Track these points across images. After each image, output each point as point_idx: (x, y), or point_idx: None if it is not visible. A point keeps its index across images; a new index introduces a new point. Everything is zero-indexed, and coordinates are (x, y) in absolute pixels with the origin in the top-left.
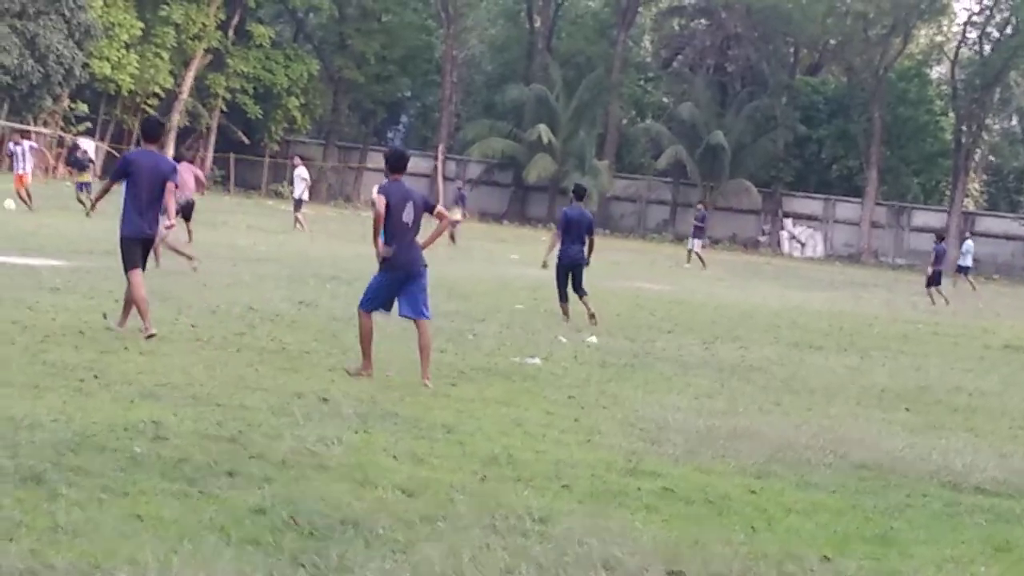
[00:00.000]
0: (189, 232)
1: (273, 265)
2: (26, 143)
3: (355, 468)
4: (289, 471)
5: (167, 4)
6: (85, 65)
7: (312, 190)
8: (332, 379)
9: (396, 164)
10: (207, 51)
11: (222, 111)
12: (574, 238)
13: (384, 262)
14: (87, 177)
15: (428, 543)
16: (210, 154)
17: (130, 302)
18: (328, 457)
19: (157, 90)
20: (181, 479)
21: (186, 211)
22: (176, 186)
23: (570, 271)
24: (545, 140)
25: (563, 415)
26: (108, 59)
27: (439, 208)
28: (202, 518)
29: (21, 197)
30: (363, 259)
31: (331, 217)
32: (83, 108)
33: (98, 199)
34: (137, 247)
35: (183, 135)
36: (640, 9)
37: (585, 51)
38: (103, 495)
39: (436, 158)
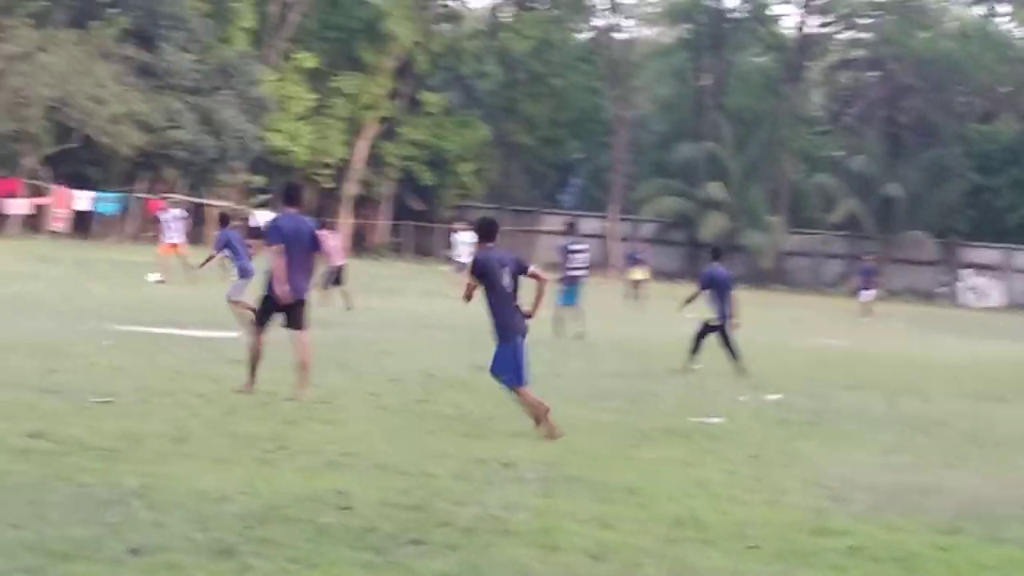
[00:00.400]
0: (345, 295)
1: (450, 331)
2: (173, 211)
3: (540, 533)
4: (475, 538)
5: (339, 76)
6: (260, 138)
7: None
8: (514, 444)
9: (487, 231)
10: (379, 120)
11: (396, 179)
12: (717, 297)
13: (504, 332)
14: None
15: None
16: (385, 222)
17: (304, 364)
18: (513, 523)
19: (331, 160)
20: (368, 548)
21: (337, 276)
22: (321, 251)
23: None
24: (717, 197)
25: (746, 474)
26: (282, 131)
27: (533, 269)
28: None
29: (168, 266)
30: (540, 323)
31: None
32: (259, 180)
33: (206, 262)
34: (302, 308)
35: (358, 204)
36: (808, 63)
37: (754, 107)
38: (292, 566)
39: (609, 219)
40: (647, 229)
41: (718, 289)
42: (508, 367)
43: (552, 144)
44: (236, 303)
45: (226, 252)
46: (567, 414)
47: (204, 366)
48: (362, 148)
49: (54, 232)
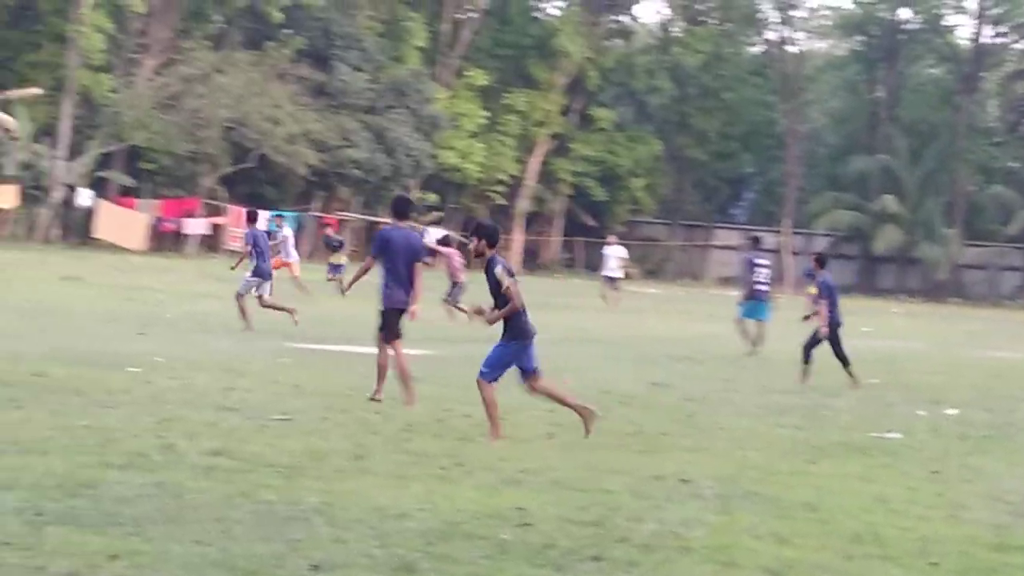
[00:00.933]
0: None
1: (623, 346)
2: (283, 230)
3: (719, 550)
4: (653, 554)
5: (510, 92)
6: (433, 156)
7: (659, 269)
8: (691, 460)
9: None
10: (551, 136)
11: (568, 195)
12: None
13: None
14: (341, 259)
15: None
16: (557, 238)
17: (405, 373)
18: (691, 539)
19: (503, 177)
20: (548, 565)
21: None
22: (427, 264)
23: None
24: (892, 210)
25: (925, 490)
26: (455, 149)
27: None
28: None
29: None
30: (714, 339)
31: (679, 296)
32: (432, 198)
33: (357, 278)
34: (398, 318)
35: (530, 221)
36: (984, 74)
37: (929, 118)
38: None
39: (782, 233)
40: (820, 243)
41: (832, 297)
42: (495, 364)
43: (724, 158)
44: (242, 298)
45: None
46: (744, 429)
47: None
48: (534, 164)
49: (231, 251)
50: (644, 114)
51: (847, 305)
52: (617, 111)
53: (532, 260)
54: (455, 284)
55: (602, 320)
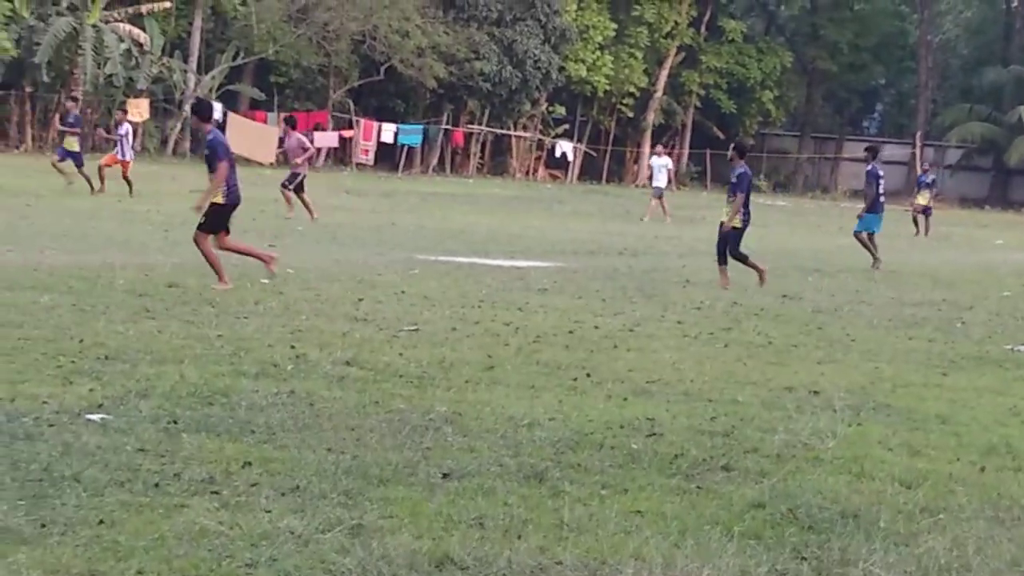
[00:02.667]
0: (306, 205)
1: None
2: (127, 125)
3: (851, 461)
4: (785, 465)
5: (639, 4)
6: (561, 68)
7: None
8: (822, 372)
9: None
10: (680, 48)
11: (696, 107)
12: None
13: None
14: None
15: (931, 535)
16: (686, 151)
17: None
18: (823, 450)
19: (632, 89)
20: (678, 474)
21: (300, 183)
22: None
23: None
24: None
25: None
26: (583, 61)
27: None
28: (702, 513)
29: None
30: (844, 251)
31: (809, 209)
32: (560, 111)
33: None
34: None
35: (658, 132)
36: None
37: None
38: (603, 492)
39: (914, 145)
40: (952, 155)
41: (747, 192)
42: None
43: (855, 69)
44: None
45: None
46: (875, 340)
47: (510, 295)
48: (662, 76)
49: (360, 164)
50: (774, 25)
51: (980, 217)
52: (746, 22)
53: None
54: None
55: None
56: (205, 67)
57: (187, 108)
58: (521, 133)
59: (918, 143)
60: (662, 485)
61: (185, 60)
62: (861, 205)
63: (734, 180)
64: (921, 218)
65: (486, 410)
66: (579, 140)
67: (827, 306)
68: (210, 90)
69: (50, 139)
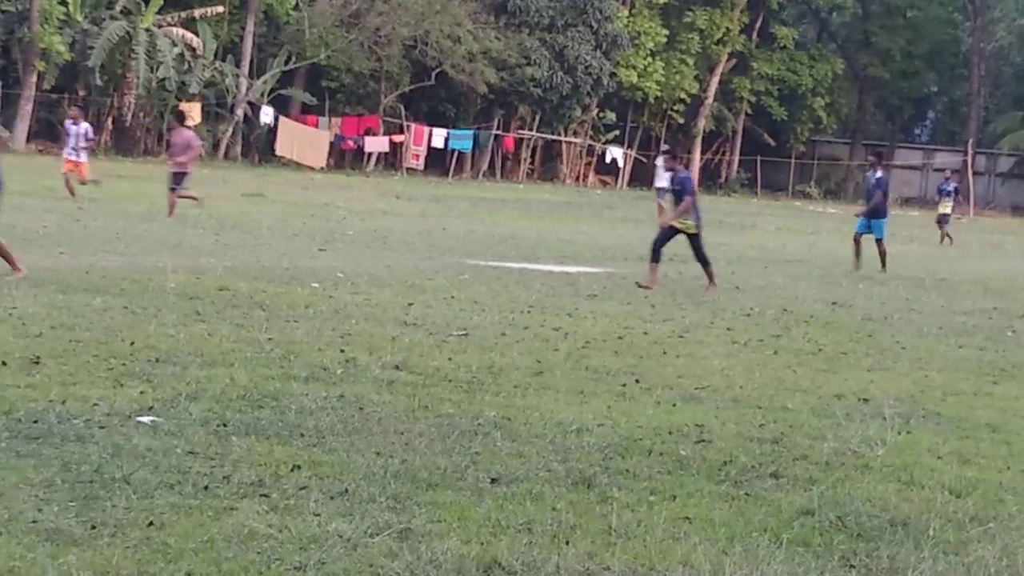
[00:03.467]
0: (171, 203)
1: (803, 266)
2: (84, 125)
3: (900, 469)
4: (834, 472)
5: (691, 10)
6: (612, 74)
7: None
8: (872, 380)
9: None
10: (731, 55)
11: (747, 114)
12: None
13: None
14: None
15: (980, 544)
16: (736, 157)
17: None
18: (872, 458)
19: (682, 96)
20: (727, 481)
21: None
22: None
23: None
24: None
25: None
26: (634, 67)
27: None
28: (750, 520)
29: (68, 185)
30: (895, 258)
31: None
32: (611, 117)
33: None
34: None
35: (709, 139)
36: None
37: None
38: (652, 498)
39: (965, 153)
40: (1004, 163)
41: (693, 195)
42: None
43: (907, 77)
44: None
45: None
46: (925, 348)
47: (560, 300)
48: (713, 83)
49: (410, 169)
50: (826, 32)
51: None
52: (798, 29)
53: (712, 179)
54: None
55: (786, 240)
56: (257, 71)
57: (239, 112)
58: (571, 139)
59: (970, 151)
60: (711, 492)
61: (237, 64)
62: (913, 213)
63: (677, 187)
64: (939, 228)
65: (535, 415)
66: (629, 146)
67: (877, 314)
68: (262, 94)
69: (102, 142)
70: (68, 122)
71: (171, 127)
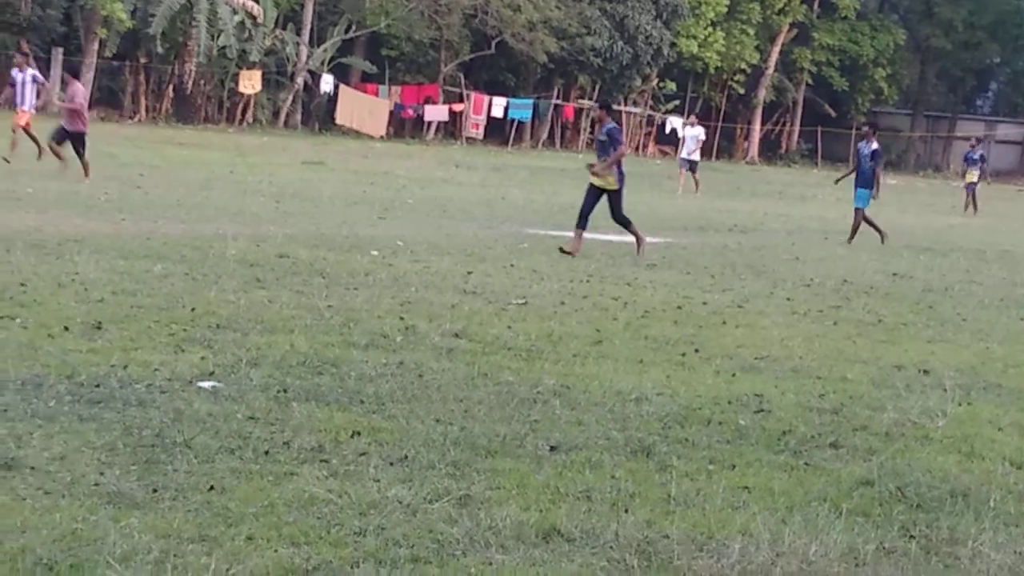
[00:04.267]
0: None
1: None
2: (29, 72)
3: (960, 440)
4: (893, 443)
5: None
6: (672, 44)
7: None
8: (932, 351)
9: None
10: (792, 25)
11: (808, 84)
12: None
13: None
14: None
15: None
16: (796, 128)
17: None
18: (932, 429)
19: (743, 66)
20: (786, 451)
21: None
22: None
23: None
24: None
25: None
26: (695, 37)
27: None
28: (810, 490)
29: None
30: (956, 230)
31: (921, 188)
32: (671, 87)
33: None
34: None
35: (769, 110)
36: None
37: None
38: (711, 467)
39: None
40: None
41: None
42: None
43: (970, 48)
44: None
45: None
46: (986, 320)
47: (619, 270)
48: (774, 53)
49: (470, 138)
50: (888, 2)
51: None
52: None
53: (772, 150)
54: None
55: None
56: (317, 40)
57: (299, 80)
58: (631, 108)
59: None
60: (770, 461)
61: (298, 33)
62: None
63: (603, 138)
64: (965, 194)
65: (594, 384)
66: (689, 116)
67: (938, 285)
68: (322, 63)
69: (163, 110)
70: (14, 71)
71: (66, 81)
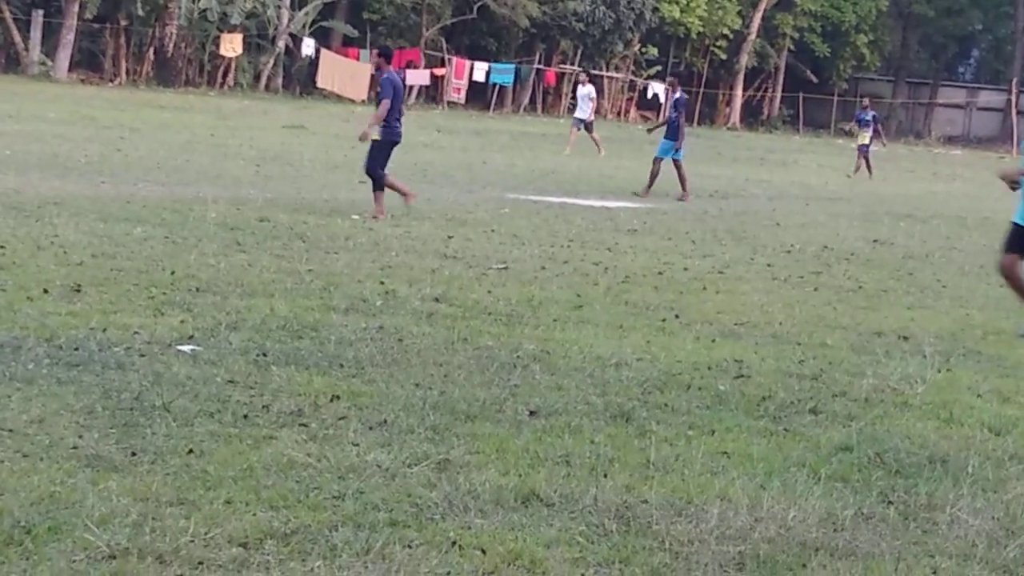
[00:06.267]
0: None
1: (845, 204)
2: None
3: (939, 406)
4: (872, 409)
5: None
6: (655, 9)
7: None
8: (912, 317)
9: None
10: None
11: (790, 50)
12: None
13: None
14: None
15: (1019, 481)
16: (778, 94)
17: None
18: (911, 395)
19: (725, 31)
20: (765, 416)
21: None
22: None
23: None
24: None
25: None
26: (677, 2)
27: None
28: (788, 455)
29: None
30: (937, 197)
31: (902, 155)
32: (653, 52)
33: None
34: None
35: (751, 76)
36: None
37: None
38: (690, 432)
39: (1010, 92)
40: None
41: (397, 102)
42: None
43: (952, 15)
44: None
45: None
46: (966, 287)
47: (600, 235)
48: (756, 19)
49: (451, 102)
50: None
51: None
52: None
53: (754, 116)
54: None
55: (827, 177)
56: (299, 3)
57: (280, 44)
58: (613, 74)
59: (1014, 89)
60: (749, 427)
61: None
62: (956, 151)
63: (377, 89)
64: (857, 156)
65: (574, 349)
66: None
67: (918, 252)
68: (303, 26)
69: (143, 73)
70: None
71: None
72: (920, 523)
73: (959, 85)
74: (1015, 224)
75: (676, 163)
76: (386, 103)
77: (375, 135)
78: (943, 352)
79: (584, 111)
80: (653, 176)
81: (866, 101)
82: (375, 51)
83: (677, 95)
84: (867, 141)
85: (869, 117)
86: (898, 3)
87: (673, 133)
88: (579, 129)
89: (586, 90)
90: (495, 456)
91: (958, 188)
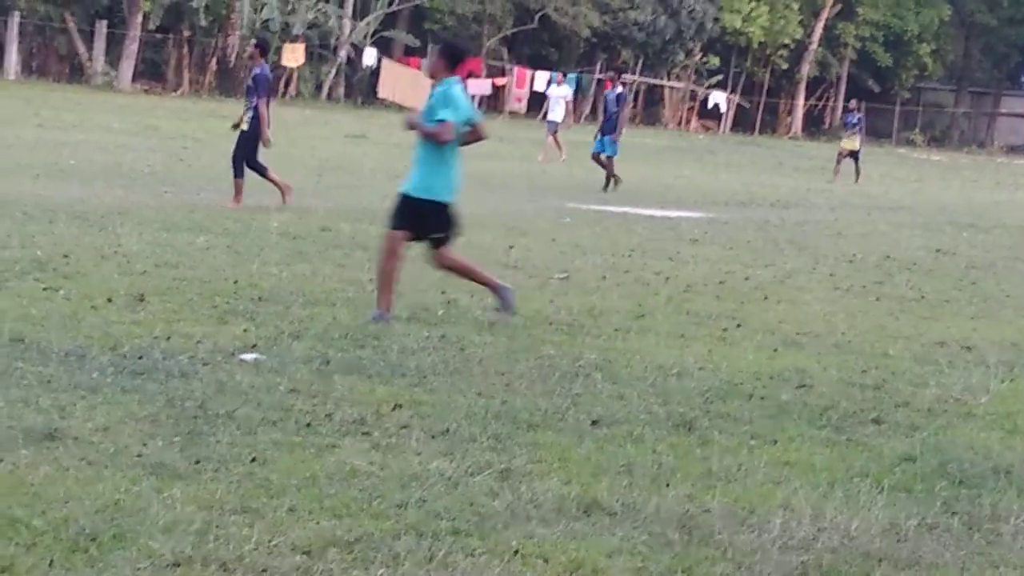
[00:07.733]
0: None
1: (907, 213)
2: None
3: (1003, 417)
4: (936, 419)
5: None
6: (716, 19)
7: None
8: (975, 327)
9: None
10: (836, 0)
11: (851, 60)
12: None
13: None
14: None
15: None
16: (840, 103)
17: None
18: (975, 406)
19: (787, 41)
20: (828, 426)
21: None
22: None
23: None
24: None
25: None
26: (738, 12)
27: None
28: (851, 465)
29: None
30: (1000, 206)
31: (965, 164)
32: (714, 62)
33: None
34: None
35: (813, 85)
36: None
37: None
38: (752, 441)
39: None
40: None
41: (267, 94)
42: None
43: (1015, 24)
44: None
45: None
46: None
47: (662, 244)
48: (818, 28)
49: (512, 112)
50: None
51: None
52: None
53: (815, 125)
54: None
55: (890, 186)
56: (361, 13)
57: (342, 54)
58: (674, 83)
59: None
60: (811, 436)
61: (341, 6)
62: (1019, 161)
63: (250, 83)
64: (847, 162)
65: (635, 358)
66: (732, 91)
67: (981, 261)
68: (365, 36)
69: (206, 83)
70: None
71: None
72: (984, 534)
73: (1022, 95)
74: None
75: (609, 158)
76: (261, 101)
77: (245, 125)
78: (1007, 362)
79: (558, 113)
80: (607, 171)
81: (853, 103)
82: (252, 42)
83: (619, 90)
84: (857, 146)
85: (856, 120)
86: (960, 12)
87: (612, 127)
88: (555, 133)
89: (561, 91)
90: (557, 465)
91: (1021, 197)
